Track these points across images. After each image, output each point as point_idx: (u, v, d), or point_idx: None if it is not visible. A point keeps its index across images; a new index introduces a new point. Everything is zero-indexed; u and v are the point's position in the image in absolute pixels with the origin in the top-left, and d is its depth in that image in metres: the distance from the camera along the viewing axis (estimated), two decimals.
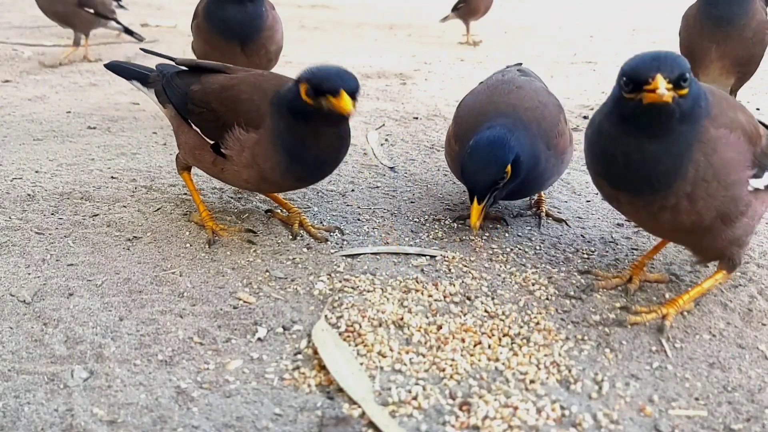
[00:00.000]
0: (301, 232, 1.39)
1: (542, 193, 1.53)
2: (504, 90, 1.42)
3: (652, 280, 1.23)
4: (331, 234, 1.40)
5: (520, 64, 1.77)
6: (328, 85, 1.15)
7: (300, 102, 1.18)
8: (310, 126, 1.21)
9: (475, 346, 1.03)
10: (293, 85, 1.21)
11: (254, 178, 1.29)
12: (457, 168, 1.36)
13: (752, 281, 1.25)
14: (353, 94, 1.16)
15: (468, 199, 1.27)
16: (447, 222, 1.47)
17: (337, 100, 1.14)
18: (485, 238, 1.40)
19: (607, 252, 1.35)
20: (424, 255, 1.31)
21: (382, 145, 2.02)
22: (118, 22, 3.17)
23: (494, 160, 1.23)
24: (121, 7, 3.55)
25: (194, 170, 1.45)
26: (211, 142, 1.30)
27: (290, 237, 1.38)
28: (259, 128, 1.24)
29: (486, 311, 1.12)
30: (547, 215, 1.49)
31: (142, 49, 1.64)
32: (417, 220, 1.48)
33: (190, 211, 1.48)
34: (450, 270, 1.26)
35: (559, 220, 1.47)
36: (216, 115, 1.30)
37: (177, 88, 1.39)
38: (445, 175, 1.76)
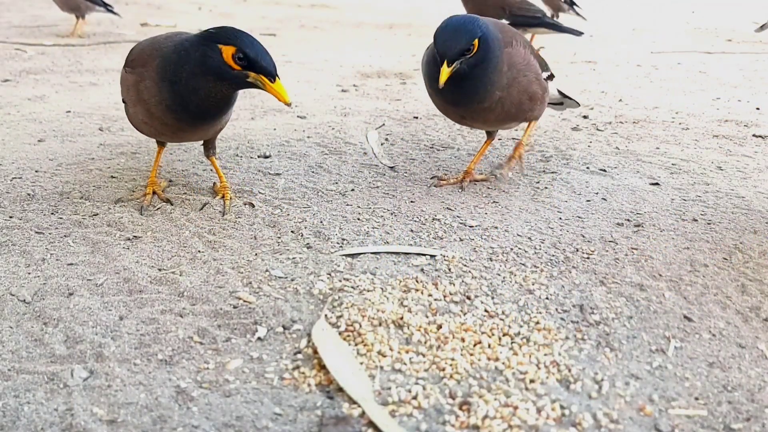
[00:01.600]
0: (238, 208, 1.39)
1: (524, 139, 1.70)
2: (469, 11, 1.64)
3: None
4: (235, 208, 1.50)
5: None
6: (265, 65, 1.28)
7: (218, 61, 1.27)
8: (212, 79, 1.30)
9: (474, 345, 1.03)
10: (205, 40, 1.29)
11: (146, 117, 1.40)
12: (427, 74, 1.56)
13: (753, 280, 1.25)
14: (276, 69, 1.31)
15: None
16: (447, 222, 1.47)
17: (274, 87, 1.29)
18: (485, 237, 1.40)
19: (607, 251, 1.35)
20: (424, 254, 1.31)
21: (382, 144, 2.02)
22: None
23: (465, 31, 1.40)
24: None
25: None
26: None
27: (221, 212, 1.49)
28: (139, 68, 1.37)
29: (486, 311, 1.12)
30: (519, 158, 1.68)
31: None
32: (417, 219, 1.48)
33: (190, 212, 1.48)
34: (450, 269, 1.26)
35: (521, 169, 1.70)
36: (125, 60, 1.46)
37: None
38: (446, 174, 1.77)
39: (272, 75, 1.28)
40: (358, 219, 1.48)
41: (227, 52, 1.26)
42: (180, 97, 1.32)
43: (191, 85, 1.30)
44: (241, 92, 1.48)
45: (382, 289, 1.18)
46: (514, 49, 1.54)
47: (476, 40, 1.41)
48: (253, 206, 1.51)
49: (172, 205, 1.52)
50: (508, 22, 3.17)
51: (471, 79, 1.46)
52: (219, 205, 1.52)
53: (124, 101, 1.49)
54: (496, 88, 1.50)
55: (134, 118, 1.47)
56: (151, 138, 1.61)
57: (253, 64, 1.27)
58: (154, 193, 1.54)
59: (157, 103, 1.35)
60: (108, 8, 3.80)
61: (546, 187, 1.71)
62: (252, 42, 1.28)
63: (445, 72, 1.39)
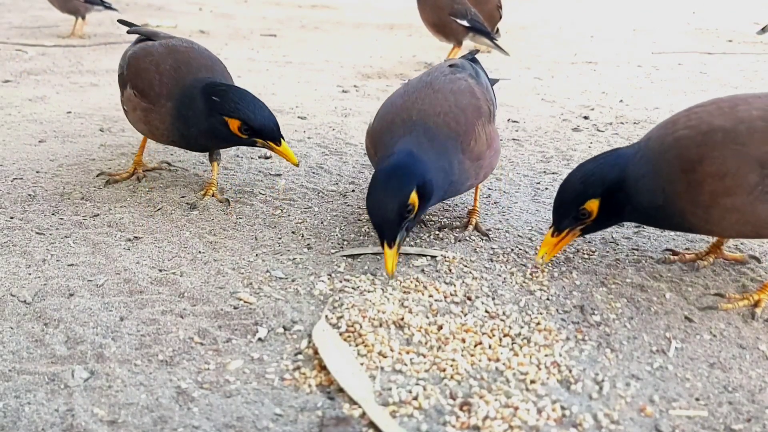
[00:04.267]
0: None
1: (477, 204, 1.48)
2: (420, 95, 1.34)
3: (729, 258, 1.30)
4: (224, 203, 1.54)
5: (477, 51, 1.74)
6: (269, 131, 1.37)
7: (227, 133, 1.38)
8: (222, 142, 1.43)
9: (475, 346, 1.03)
10: (211, 111, 1.36)
11: (144, 131, 1.52)
12: (372, 161, 1.40)
13: (754, 281, 1.25)
14: (280, 130, 1.39)
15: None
16: (447, 222, 1.47)
17: (281, 149, 1.39)
18: (485, 238, 1.39)
19: (607, 252, 1.35)
20: (425, 255, 1.31)
21: None
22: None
23: (394, 195, 1.14)
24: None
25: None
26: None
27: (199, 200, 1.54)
28: (150, 99, 1.42)
29: (486, 311, 1.12)
30: (475, 228, 1.42)
31: (119, 21, 1.85)
32: None
33: (190, 212, 1.48)
34: (450, 270, 1.26)
35: (484, 234, 1.40)
36: (122, 72, 1.53)
37: (124, 55, 1.61)
38: None
39: (277, 139, 1.38)
40: (359, 219, 1.48)
41: (233, 124, 1.35)
42: (187, 140, 1.44)
43: (201, 139, 1.43)
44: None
45: (382, 289, 1.18)
46: (475, 144, 1.30)
47: (413, 194, 1.15)
48: (229, 203, 1.52)
49: (163, 170, 1.67)
50: (469, 26, 3.18)
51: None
52: (214, 205, 1.52)
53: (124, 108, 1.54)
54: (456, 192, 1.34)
55: (135, 125, 1.53)
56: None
57: (258, 134, 1.38)
58: (134, 173, 1.63)
59: (163, 133, 1.45)
60: (106, 5, 3.80)
61: (547, 188, 1.71)
62: (254, 110, 1.36)
63: (391, 257, 1.15)
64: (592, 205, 1.15)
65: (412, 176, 1.16)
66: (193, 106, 1.38)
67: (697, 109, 1.16)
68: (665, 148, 1.13)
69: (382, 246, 1.16)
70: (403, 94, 1.40)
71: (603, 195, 1.14)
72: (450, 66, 1.50)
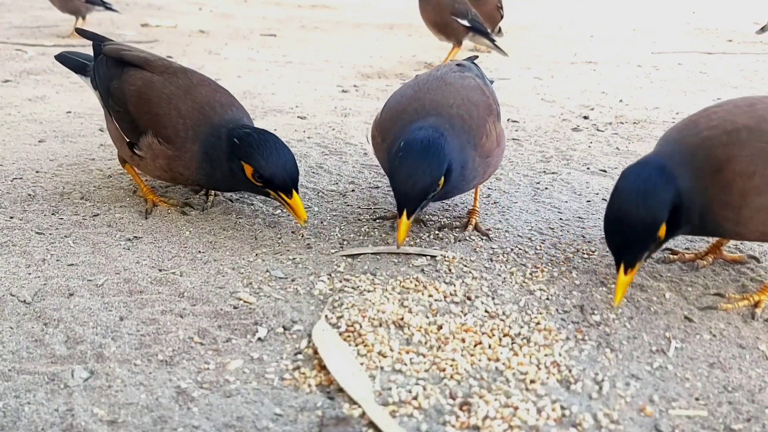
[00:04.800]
0: (299, 227, 1.39)
1: (477, 204, 1.47)
2: (431, 86, 1.34)
3: (728, 259, 1.30)
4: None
5: (476, 57, 1.74)
6: (281, 183, 1.28)
7: (243, 177, 1.31)
8: (239, 182, 1.34)
9: (475, 346, 1.03)
10: (230, 154, 1.30)
11: (166, 177, 1.42)
12: (380, 156, 1.35)
13: (753, 280, 1.25)
14: (296, 184, 1.30)
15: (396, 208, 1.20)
16: (447, 222, 1.47)
17: (291, 203, 1.30)
18: (485, 238, 1.39)
19: (607, 252, 1.35)
20: (425, 255, 1.31)
21: None
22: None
23: (429, 172, 1.13)
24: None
25: None
26: (128, 140, 1.41)
27: (208, 205, 1.51)
28: (176, 145, 1.34)
29: (486, 311, 1.12)
30: (475, 228, 1.42)
31: (76, 29, 1.77)
32: (417, 219, 1.47)
33: (190, 212, 1.48)
34: (450, 270, 1.26)
35: (484, 234, 1.40)
36: (131, 117, 1.39)
37: (103, 79, 1.48)
38: None
39: (288, 191, 1.29)
40: (359, 219, 1.48)
41: (248, 169, 1.29)
42: (212, 182, 1.39)
43: (225, 182, 1.37)
44: (240, 91, 1.49)
45: (382, 289, 1.18)
46: (486, 140, 1.30)
47: (441, 179, 1.16)
48: (231, 200, 1.53)
49: (192, 208, 1.51)
50: (469, 26, 3.22)
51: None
52: (201, 203, 1.52)
53: (131, 144, 1.40)
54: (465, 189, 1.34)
55: (148, 170, 1.43)
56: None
57: (269, 183, 1.29)
58: (156, 204, 1.50)
59: (187, 178, 1.39)
60: (107, 6, 3.80)
61: (546, 188, 1.71)
62: (268, 157, 1.28)
63: (405, 227, 1.17)
64: (663, 230, 1.05)
65: (445, 156, 1.15)
66: (218, 148, 1.32)
67: (715, 109, 1.15)
68: (693, 149, 1.09)
69: (399, 215, 1.16)
70: (413, 86, 1.39)
71: (668, 216, 1.05)
72: (457, 65, 1.51)
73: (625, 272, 1.06)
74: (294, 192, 1.29)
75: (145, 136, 1.36)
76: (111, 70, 1.46)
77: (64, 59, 1.63)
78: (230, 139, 1.30)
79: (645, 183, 1.04)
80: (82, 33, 1.66)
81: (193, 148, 1.33)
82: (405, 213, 1.16)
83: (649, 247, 1.06)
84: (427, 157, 1.14)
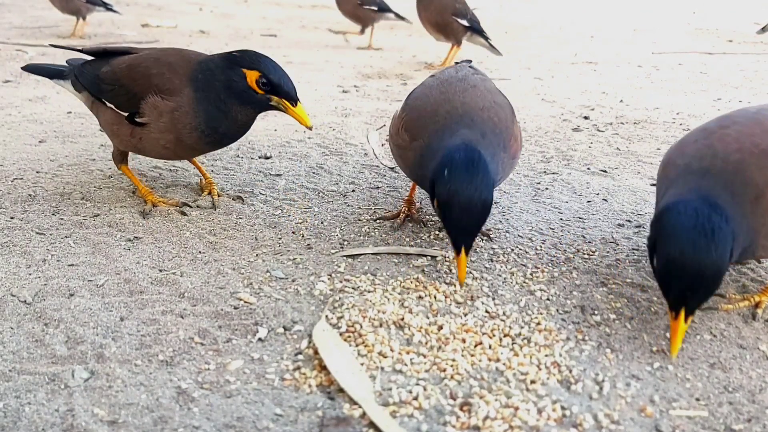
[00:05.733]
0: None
1: None
2: (458, 88, 1.34)
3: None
4: (234, 201, 1.55)
5: (470, 61, 1.74)
6: (287, 89, 1.32)
7: (243, 86, 1.32)
8: (237, 103, 1.34)
9: (475, 346, 1.02)
10: (230, 64, 1.32)
11: (171, 142, 1.40)
12: (405, 155, 1.32)
13: (754, 281, 1.25)
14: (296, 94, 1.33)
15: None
16: None
17: (296, 110, 1.33)
18: (485, 238, 1.39)
19: (607, 252, 1.35)
20: (425, 255, 1.31)
21: (383, 145, 2.02)
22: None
23: (483, 206, 1.11)
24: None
25: (133, 157, 1.56)
26: (125, 114, 1.41)
27: (210, 206, 1.52)
28: (175, 96, 1.36)
29: (487, 311, 1.12)
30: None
31: (52, 45, 1.82)
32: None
33: (191, 212, 1.48)
34: (451, 270, 1.26)
35: (484, 234, 1.40)
36: (126, 89, 1.42)
37: (88, 74, 1.52)
38: None
39: (294, 99, 1.33)
40: (359, 219, 1.48)
41: (251, 76, 1.31)
42: (212, 122, 1.37)
43: (221, 109, 1.35)
44: None
45: (383, 289, 1.18)
46: (514, 141, 1.31)
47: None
48: (243, 200, 1.54)
49: (191, 208, 1.51)
50: (468, 25, 3.24)
51: None
52: (207, 201, 1.52)
53: (135, 130, 1.41)
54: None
55: (152, 144, 1.42)
56: (159, 159, 1.65)
57: (276, 89, 1.32)
58: (154, 204, 1.50)
59: (191, 129, 1.37)
60: (108, 7, 3.80)
61: (547, 188, 1.71)
62: (274, 66, 1.32)
63: (464, 262, 1.14)
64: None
65: (491, 179, 1.13)
66: (212, 73, 1.34)
67: (724, 131, 1.09)
68: (728, 178, 1.01)
69: (458, 252, 1.13)
70: (437, 86, 1.38)
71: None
72: (470, 67, 1.52)
73: (685, 319, 0.98)
74: (297, 100, 1.34)
75: (146, 99, 1.38)
76: (96, 64, 1.51)
77: (35, 69, 1.66)
78: (227, 57, 1.34)
79: (709, 223, 0.95)
80: (62, 48, 1.72)
81: (187, 89, 1.36)
82: (464, 249, 1.13)
83: (714, 293, 0.97)
84: (479, 189, 1.11)
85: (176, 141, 1.40)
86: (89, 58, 1.57)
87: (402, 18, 3.96)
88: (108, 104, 1.45)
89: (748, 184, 1.01)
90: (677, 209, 0.98)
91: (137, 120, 1.39)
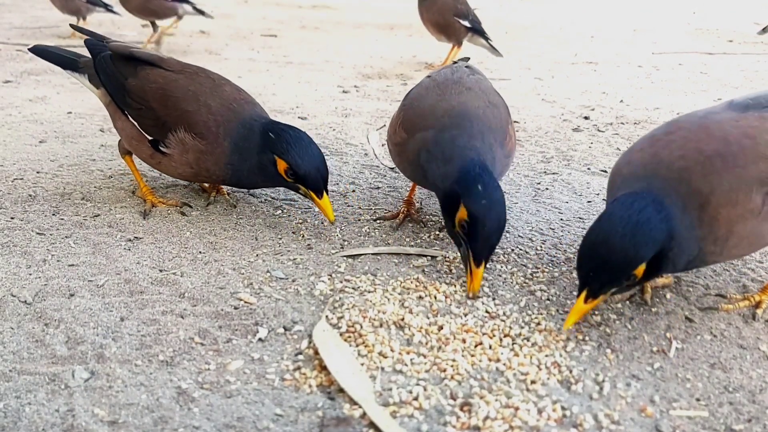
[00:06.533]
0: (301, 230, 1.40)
1: None
2: (455, 89, 1.36)
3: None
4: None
5: (468, 59, 1.73)
6: (314, 182, 1.31)
7: (273, 171, 1.32)
8: (267, 180, 1.36)
9: (476, 346, 1.02)
10: (264, 145, 1.32)
11: (189, 174, 1.41)
12: (403, 153, 1.33)
13: (754, 281, 1.25)
14: (327, 183, 1.33)
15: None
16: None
17: (321, 203, 1.33)
18: None
19: None
20: (425, 255, 1.31)
21: (383, 145, 2.02)
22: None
23: (501, 222, 1.13)
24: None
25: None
26: (150, 138, 1.38)
27: (205, 203, 1.52)
28: (207, 140, 1.34)
29: (487, 312, 1.12)
30: None
31: (71, 25, 1.78)
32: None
33: (191, 213, 1.48)
34: (451, 270, 1.26)
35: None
36: (156, 114, 1.37)
37: (113, 76, 1.44)
38: None
39: (319, 191, 1.32)
40: (359, 220, 1.48)
41: (281, 164, 1.31)
42: (237, 174, 1.37)
43: (251, 172, 1.35)
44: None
45: (383, 290, 1.18)
46: (509, 140, 1.33)
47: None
48: (235, 206, 1.52)
49: (191, 208, 1.50)
50: (470, 26, 3.26)
51: None
52: (214, 204, 1.52)
53: (155, 142, 1.37)
54: None
55: (169, 169, 1.41)
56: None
57: (303, 181, 1.31)
58: (154, 204, 1.49)
59: (214, 173, 1.38)
60: (108, 8, 3.80)
61: (547, 188, 1.71)
62: (303, 156, 1.30)
63: (479, 275, 1.15)
64: (641, 270, 0.98)
65: (501, 192, 1.16)
66: (250, 141, 1.33)
67: (669, 137, 1.07)
68: (674, 184, 1.00)
69: (478, 266, 1.14)
70: (434, 87, 1.39)
71: (653, 257, 0.98)
72: (466, 67, 1.53)
73: (585, 300, 1.01)
74: (324, 192, 1.33)
75: (176, 132, 1.35)
76: (122, 68, 1.43)
77: (43, 53, 1.55)
78: (264, 133, 1.32)
79: (639, 215, 0.96)
80: (80, 30, 1.65)
81: (224, 143, 1.34)
82: (483, 264, 1.14)
83: (620, 282, 0.99)
84: (504, 205, 1.15)
85: (194, 175, 1.41)
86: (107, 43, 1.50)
87: (201, 12, 3.66)
88: (131, 119, 1.41)
89: (692, 191, 1.00)
90: (622, 198, 1.01)
91: (161, 149, 1.37)
